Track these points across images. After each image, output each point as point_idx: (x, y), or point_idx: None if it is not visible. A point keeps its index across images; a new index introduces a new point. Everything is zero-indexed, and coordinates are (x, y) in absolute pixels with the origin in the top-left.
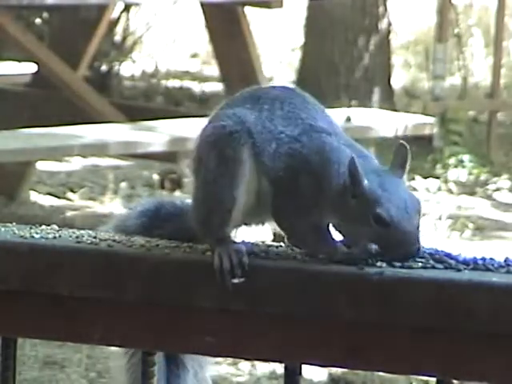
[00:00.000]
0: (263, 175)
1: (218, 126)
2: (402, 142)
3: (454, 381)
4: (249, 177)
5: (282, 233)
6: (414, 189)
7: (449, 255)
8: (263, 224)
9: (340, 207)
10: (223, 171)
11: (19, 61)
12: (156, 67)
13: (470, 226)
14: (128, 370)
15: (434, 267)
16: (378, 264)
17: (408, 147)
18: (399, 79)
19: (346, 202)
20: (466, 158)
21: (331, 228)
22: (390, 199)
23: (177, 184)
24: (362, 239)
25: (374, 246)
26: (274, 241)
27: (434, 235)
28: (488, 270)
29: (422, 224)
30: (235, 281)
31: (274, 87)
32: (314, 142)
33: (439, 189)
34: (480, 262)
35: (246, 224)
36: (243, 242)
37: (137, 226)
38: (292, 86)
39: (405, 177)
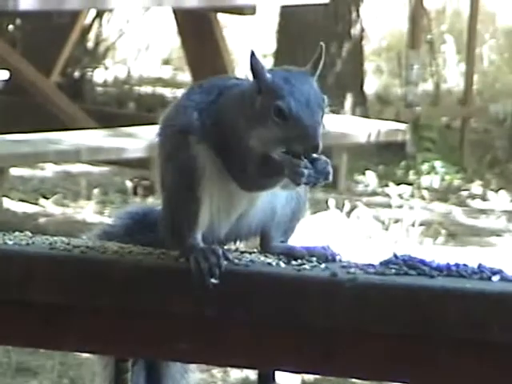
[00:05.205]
0: (211, 149)
1: (163, 139)
2: (321, 43)
3: None
4: (207, 167)
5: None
6: (387, 195)
7: (422, 261)
8: (238, 238)
9: (253, 117)
10: (181, 175)
11: None
12: (128, 73)
13: (443, 232)
14: (105, 379)
15: (407, 273)
16: (352, 270)
17: (324, 47)
18: (372, 85)
19: (254, 105)
20: (438, 164)
21: None
22: (291, 92)
23: (149, 190)
24: (268, 138)
25: None
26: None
27: (407, 242)
28: (461, 276)
29: (323, 121)
30: (213, 281)
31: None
32: (226, 98)
33: (412, 195)
34: (453, 268)
35: (222, 240)
36: (217, 246)
37: (120, 227)
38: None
39: (316, 74)
